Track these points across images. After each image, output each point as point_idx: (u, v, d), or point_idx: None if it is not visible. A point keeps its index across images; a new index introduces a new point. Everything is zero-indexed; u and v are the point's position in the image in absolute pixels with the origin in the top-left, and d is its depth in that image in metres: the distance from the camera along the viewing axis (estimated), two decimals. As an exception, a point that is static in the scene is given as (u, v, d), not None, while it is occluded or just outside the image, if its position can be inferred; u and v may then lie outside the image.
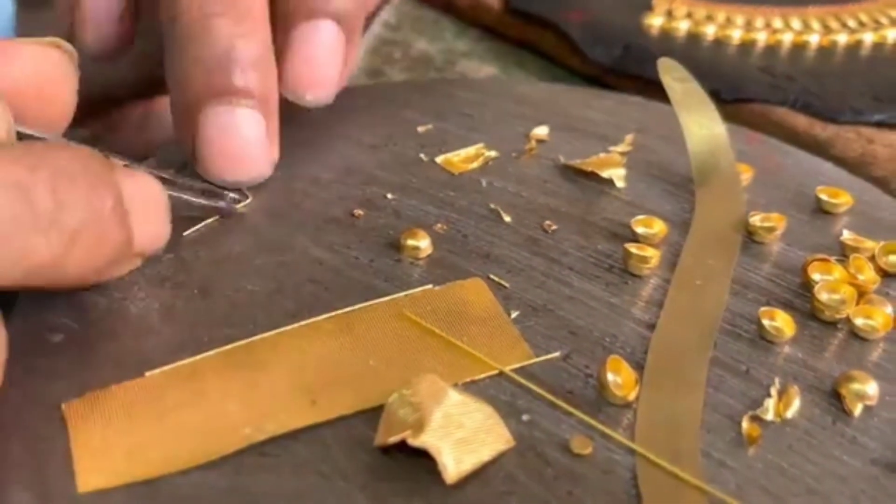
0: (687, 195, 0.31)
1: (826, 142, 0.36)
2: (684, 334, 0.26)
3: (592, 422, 0.23)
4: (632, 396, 0.24)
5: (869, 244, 0.29)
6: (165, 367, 0.24)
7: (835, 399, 0.24)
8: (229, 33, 0.28)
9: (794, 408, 0.24)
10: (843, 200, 0.31)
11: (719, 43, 0.42)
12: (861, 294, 0.27)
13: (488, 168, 0.32)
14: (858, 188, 0.32)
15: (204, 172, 0.29)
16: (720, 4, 0.44)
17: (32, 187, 0.21)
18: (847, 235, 0.29)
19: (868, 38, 0.42)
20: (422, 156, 0.33)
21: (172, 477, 0.22)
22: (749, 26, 0.42)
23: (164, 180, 0.26)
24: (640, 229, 0.29)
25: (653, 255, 0.28)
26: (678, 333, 0.26)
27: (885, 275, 0.28)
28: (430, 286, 0.27)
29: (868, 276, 0.27)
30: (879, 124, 0.36)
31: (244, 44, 0.28)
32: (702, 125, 0.32)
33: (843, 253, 0.29)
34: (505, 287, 0.27)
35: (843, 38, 0.42)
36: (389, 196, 0.31)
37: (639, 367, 0.25)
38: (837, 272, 0.27)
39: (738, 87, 0.38)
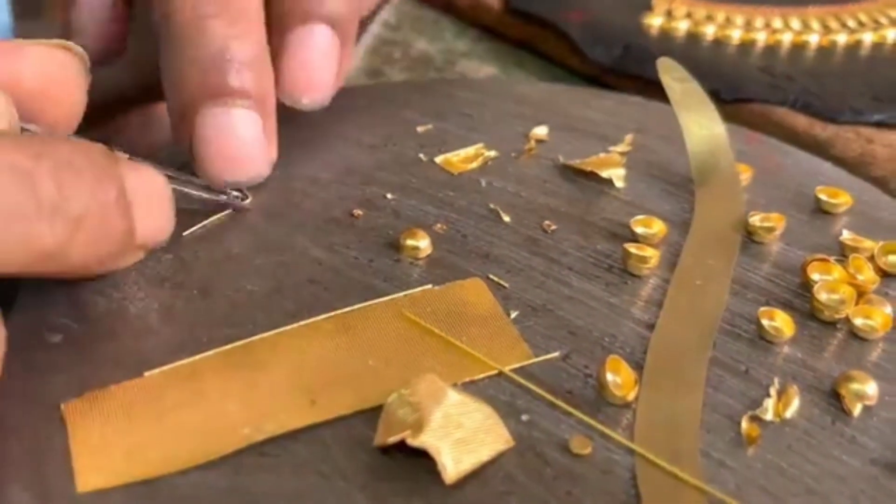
0: (687, 195, 0.31)
1: (826, 142, 0.36)
2: (684, 334, 0.26)
3: (592, 422, 0.23)
4: (631, 396, 0.24)
5: (868, 244, 0.29)
6: (165, 367, 0.24)
7: (834, 399, 0.24)
8: (223, 34, 0.28)
9: (793, 408, 0.24)
10: (842, 200, 0.31)
11: (719, 43, 0.42)
12: (860, 294, 0.27)
13: (488, 168, 0.32)
14: (858, 188, 0.32)
15: (202, 173, 0.29)
16: (720, 4, 0.44)
17: (36, 175, 0.22)
18: (846, 235, 0.29)
19: (868, 38, 0.42)
20: (421, 156, 0.33)
21: (172, 477, 0.22)
22: (749, 26, 0.42)
23: (169, 177, 0.26)
24: (639, 229, 0.29)
25: (652, 255, 0.28)
26: (678, 333, 0.26)
27: (884, 275, 0.28)
28: (429, 286, 0.27)
29: (867, 276, 0.27)
30: (879, 124, 0.36)
31: (239, 44, 0.28)
32: (701, 125, 0.32)
33: (843, 253, 0.29)
34: (504, 287, 0.27)
35: (842, 38, 0.42)
36: (389, 196, 0.31)
37: (638, 367, 0.25)
38: (837, 272, 0.27)
39: (737, 87, 0.38)
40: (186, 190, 0.28)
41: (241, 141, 0.28)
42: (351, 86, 0.35)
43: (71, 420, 0.23)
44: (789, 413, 0.24)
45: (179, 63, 0.28)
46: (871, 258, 0.28)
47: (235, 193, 0.29)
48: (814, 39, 0.42)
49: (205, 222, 0.29)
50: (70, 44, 0.26)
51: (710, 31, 0.42)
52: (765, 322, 0.26)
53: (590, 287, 0.28)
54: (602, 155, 0.33)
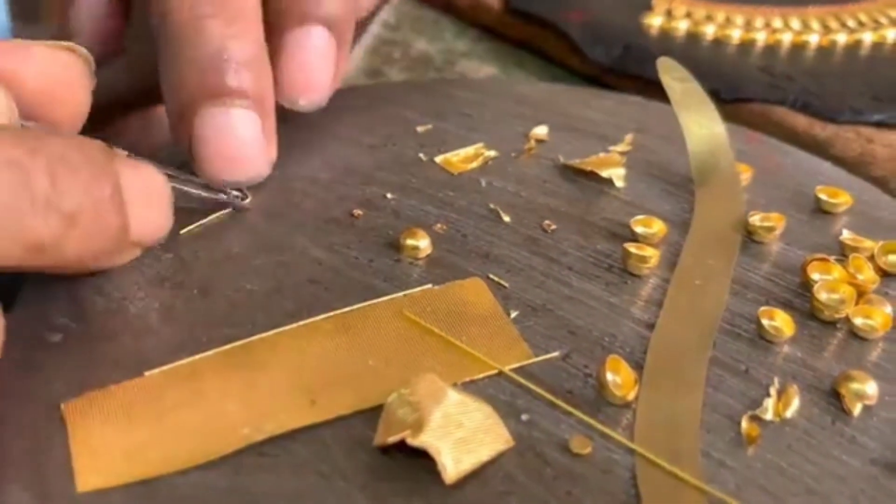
0: (686, 195, 0.31)
1: (825, 141, 0.36)
2: (684, 334, 0.26)
3: (592, 421, 0.23)
4: (631, 396, 0.24)
5: (868, 244, 0.29)
6: (164, 367, 0.24)
7: (834, 399, 0.24)
8: (221, 34, 0.28)
9: (793, 407, 0.24)
10: (842, 200, 0.31)
11: (719, 43, 0.42)
12: (860, 294, 0.27)
13: (488, 168, 0.32)
14: (858, 188, 0.32)
15: (202, 173, 0.29)
16: (720, 4, 0.44)
17: (31, 169, 0.22)
18: (846, 235, 0.29)
19: (867, 37, 0.42)
20: (421, 156, 0.33)
21: (171, 477, 0.22)
22: (748, 26, 0.42)
23: (168, 175, 0.26)
24: (639, 229, 0.29)
25: (652, 254, 0.28)
26: (678, 333, 0.26)
27: (884, 274, 0.28)
28: (429, 286, 0.27)
29: (867, 275, 0.27)
30: (879, 124, 0.36)
31: (236, 44, 0.28)
32: (701, 125, 0.32)
33: (843, 252, 0.29)
34: (504, 287, 0.27)
35: (842, 38, 0.42)
36: (389, 196, 0.31)
37: (638, 366, 0.25)
38: (837, 272, 0.27)
39: (737, 86, 0.38)
40: (186, 189, 0.28)
41: (240, 141, 0.28)
42: (350, 86, 0.35)
43: (71, 420, 0.23)
44: (789, 413, 0.24)
45: (177, 63, 0.28)
46: (871, 258, 0.28)
47: (235, 193, 0.29)
48: (814, 39, 0.42)
49: (203, 221, 0.29)
50: (74, 45, 0.26)
51: (709, 31, 0.42)
52: (765, 322, 0.26)
53: (590, 287, 0.28)
54: (602, 155, 0.33)
